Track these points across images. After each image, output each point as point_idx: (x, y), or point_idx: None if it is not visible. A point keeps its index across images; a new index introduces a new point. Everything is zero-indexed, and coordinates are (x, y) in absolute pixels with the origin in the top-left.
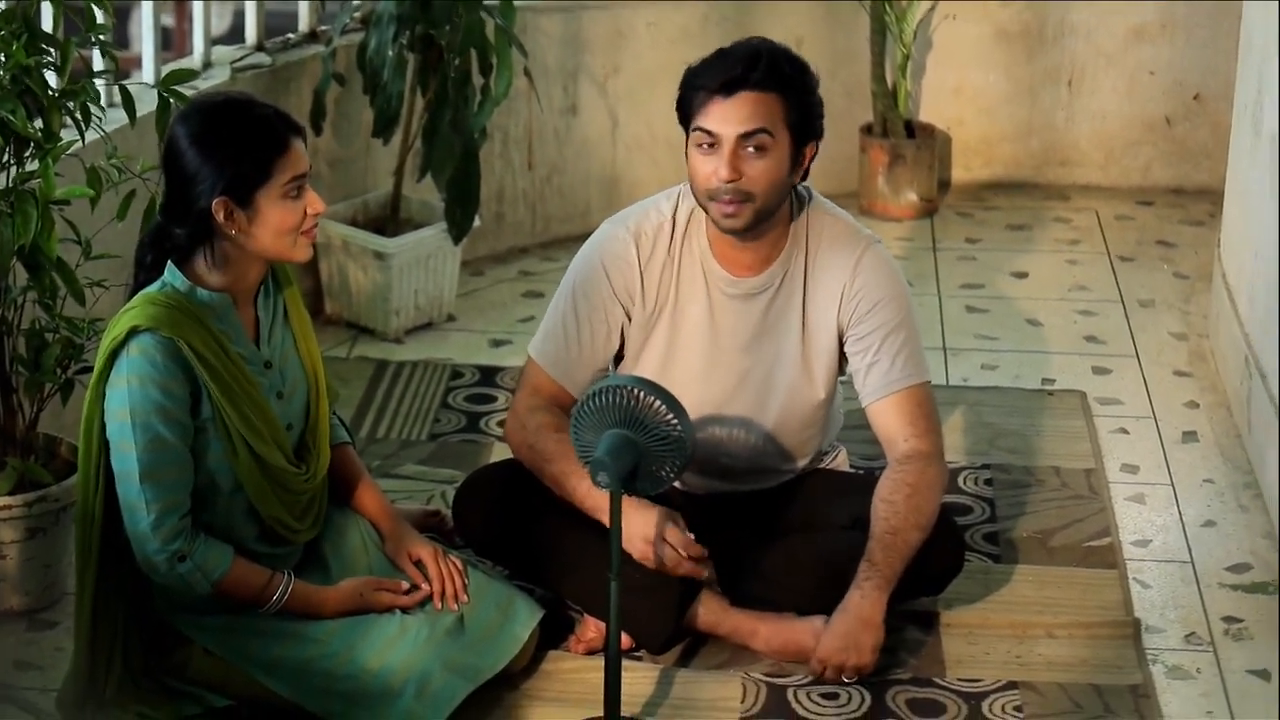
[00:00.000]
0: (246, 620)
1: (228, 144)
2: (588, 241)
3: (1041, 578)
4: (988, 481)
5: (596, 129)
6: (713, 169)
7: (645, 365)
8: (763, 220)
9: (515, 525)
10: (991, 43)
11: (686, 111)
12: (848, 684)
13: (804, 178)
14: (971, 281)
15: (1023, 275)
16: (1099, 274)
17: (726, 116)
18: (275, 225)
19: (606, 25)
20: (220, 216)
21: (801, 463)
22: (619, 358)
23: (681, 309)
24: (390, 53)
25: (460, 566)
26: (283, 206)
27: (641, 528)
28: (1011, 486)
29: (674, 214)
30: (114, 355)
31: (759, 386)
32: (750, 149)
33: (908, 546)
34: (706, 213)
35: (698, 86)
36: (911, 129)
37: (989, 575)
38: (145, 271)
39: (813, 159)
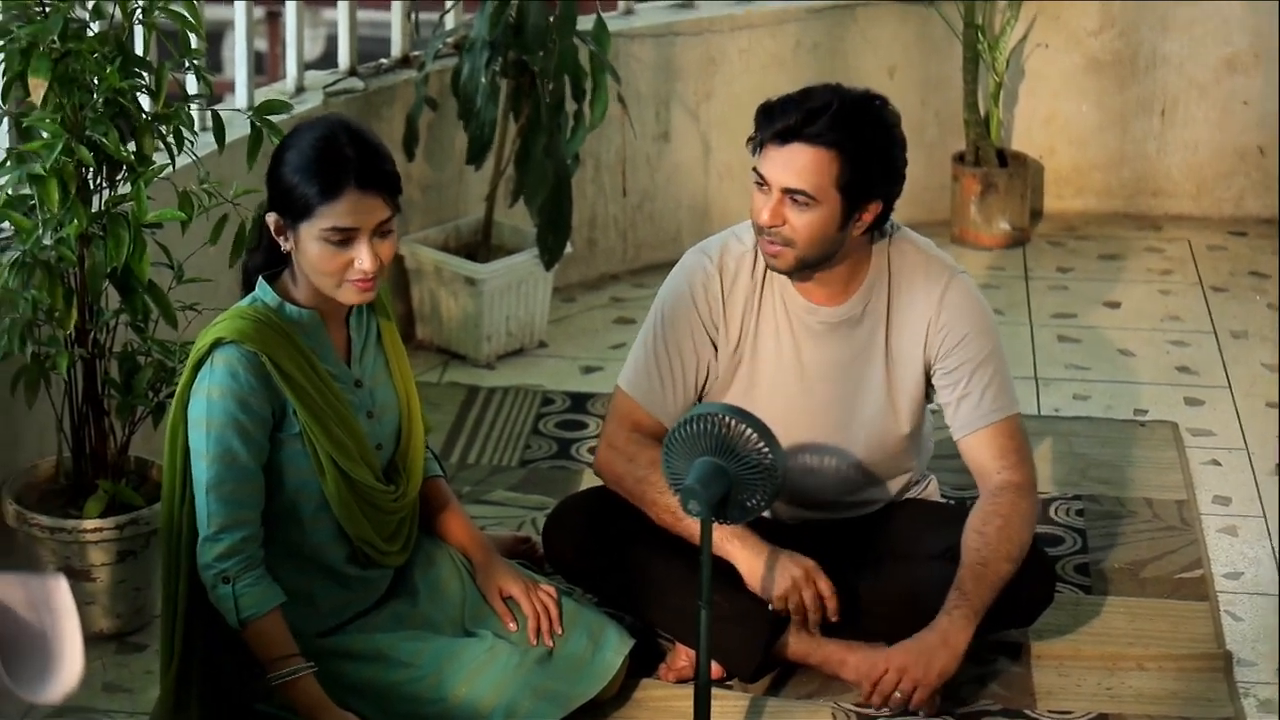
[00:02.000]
0: (336, 642)
1: (290, 167)
2: (673, 271)
3: (1133, 609)
4: (1079, 512)
5: (688, 155)
6: (761, 207)
7: (731, 394)
8: (809, 266)
9: (605, 553)
10: (1083, 72)
11: (756, 144)
12: (889, 713)
13: (872, 230)
14: (1063, 311)
15: (1115, 305)
16: (1191, 304)
17: (775, 165)
18: (314, 263)
19: (699, 51)
20: (273, 230)
21: (890, 492)
22: (704, 389)
23: (764, 339)
24: (484, 79)
25: (554, 598)
26: (321, 248)
27: (794, 568)
28: (1103, 517)
29: (755, 244)
30: (198, 366)
31: (843, 417)
32: (795, 201)
33: (998, 578)
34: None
35: (761, 126)
36: (1004, 158)
37: (1080, 606)
38: (247, 284)
39: (881, 215)
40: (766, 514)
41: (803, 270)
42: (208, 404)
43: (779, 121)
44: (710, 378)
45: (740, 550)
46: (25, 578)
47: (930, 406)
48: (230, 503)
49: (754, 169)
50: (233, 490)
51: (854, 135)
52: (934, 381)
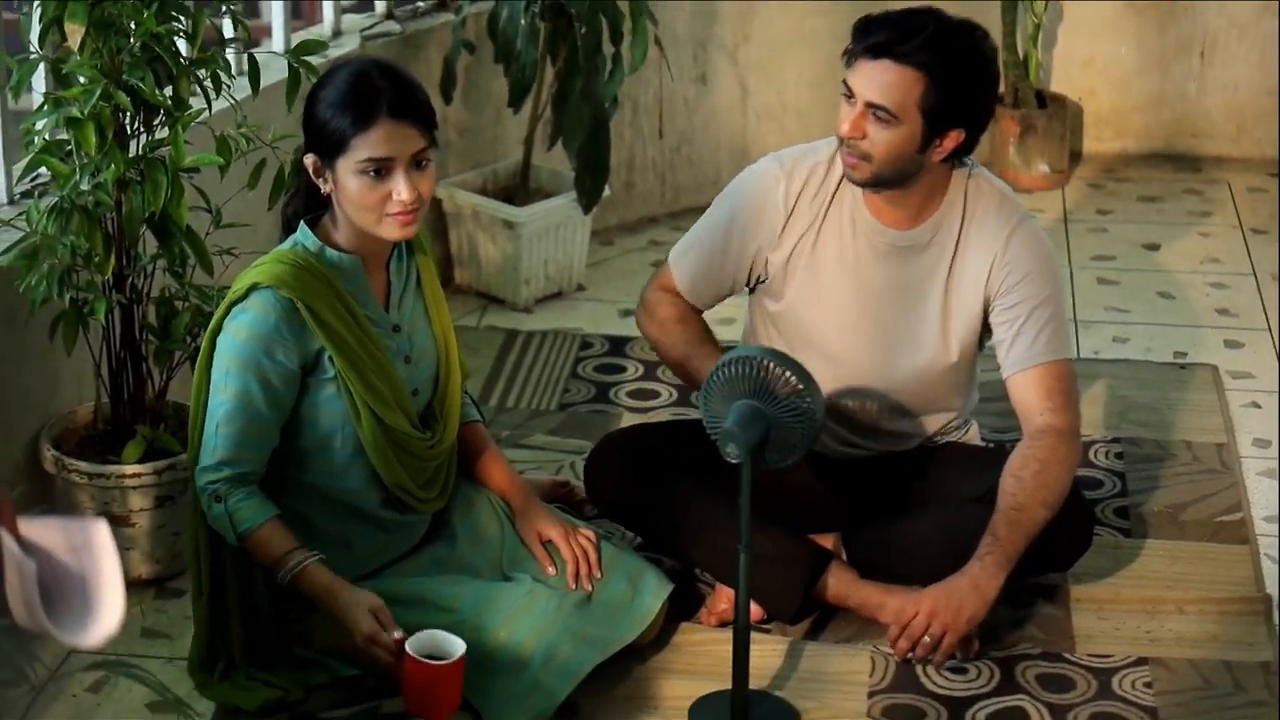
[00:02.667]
0: (373, 586)
1: (324, 104)
2: (746, 170)
3: (1172, 553)
4: (1119, 455)
5: (726, 98)
6: (844, 118)
7: (786, 303)
8: (885, 183)
9: (646, 491)
10: (1123, 13)
11: (849, 58)
12: (914, 660)
13: (954, 158)
14: (1103, 253)
15: (1154, 247)
16: (1231, 246)
17: (863, 79)
18: (353, 199)
19: None
20: (311, 172)
21: (928, 428)
22: (756, 288)
23: (826, 250)
24: (523, 21)
25: (593, 542)
26: (359, 182)
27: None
28: (1142, 460)
29: (831, 157)
30: (232, 307)
31: (895, 338)
32: (878, 114)
33: (1033, 524)
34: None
35: (856, 38)
36: (1043, 99)
37: (1119, 550)
38: (287, 228)
39: (962, 144)
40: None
41: (878, 186)
42: (233, 343)
43: (873, 37)
44: (762, 278)
45: None
46: (65, 521)
47: (981, 351)
48: (236, 439)
49: (844, 80)
50: (241, 428)
51: (944, 60)
52: (991, 318)
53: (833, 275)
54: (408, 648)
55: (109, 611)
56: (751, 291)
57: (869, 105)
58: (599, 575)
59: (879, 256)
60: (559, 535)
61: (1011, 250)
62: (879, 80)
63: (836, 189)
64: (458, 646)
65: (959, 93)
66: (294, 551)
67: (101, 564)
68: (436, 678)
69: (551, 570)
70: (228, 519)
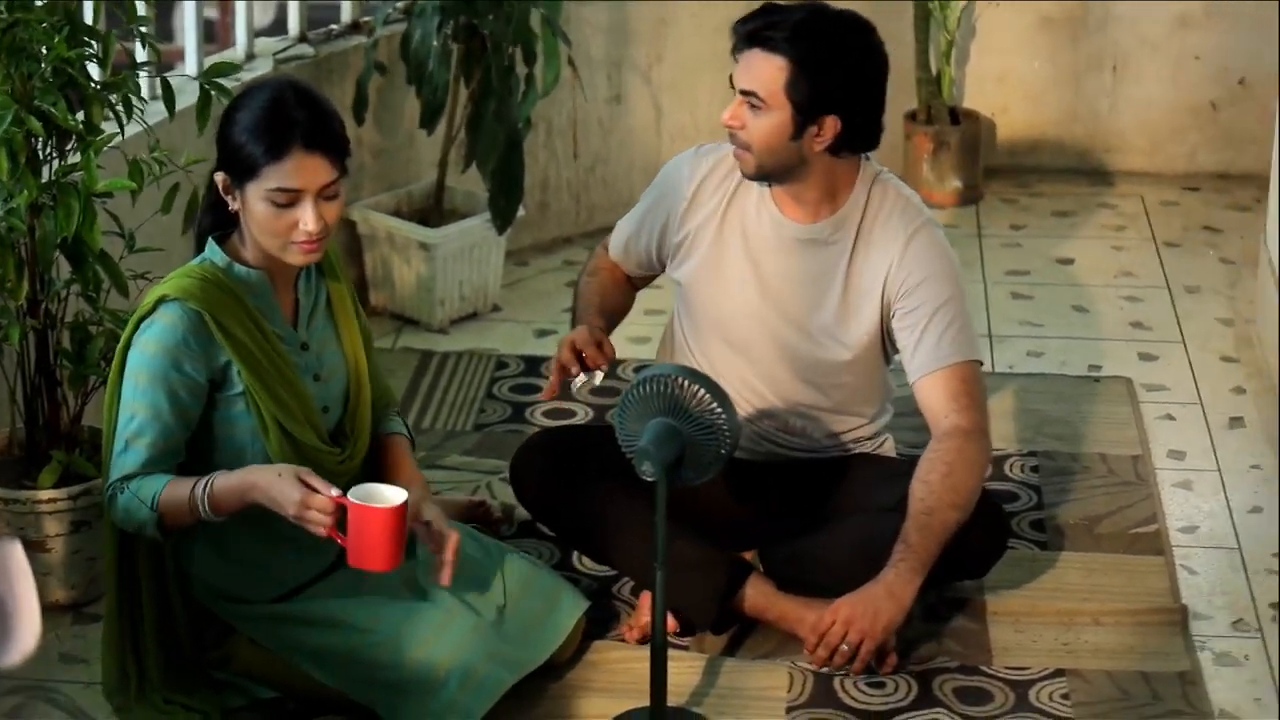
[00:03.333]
0: (292, 608)
1: (239, 126)
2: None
3: (1088, 565)
4: (1034, 468)
5: (641, 118)
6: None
7: (689, 283)
8: (770, 175)
9: (569, 492)
10: (1035, 29)
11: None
12: (831, 669)
13: (844, 150)
14: (1017, 268)
15: (1068, 261)
16: (1145, 260)
17: (738, 68)
18: (259, 223)
19: (650, 15)
20: (221, 189)
21: (837, 428)
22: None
23: (731, 237)
24: (435, 43)
25: (455, 541)
26: (267, 209)
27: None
28: (1058, 473)
29: None
30: (140, 322)
31: (793, 329)
32: (750, 104)
33: (944, 528)
34: None
35: (733, 31)
36: (956, 116)
37: (1035, 562)
38: (199, 242)
39: (844, 134)
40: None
41: (765, 178)
42: (141, 356)
43: (743, 26)
44: (670, 255)
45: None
46: None
47: (891, 366)
48: (146, 455)
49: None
50: (151, 443)
51: (808, 47)
52: (894, 324)
53: (736, 261)
54: (350, 497)
55: (26, 632)
56: (663, 267)
57: (743, 93)
58: (446, 560)
59: (782, 247)
60: (435, 516)
61: (910, 254)
62: (750, 69)
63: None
64: (398, 494)
65: (825, 79)
66: (196, 484)
67: (16, 585)
68: (376, 522)
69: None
70: (136, 501)
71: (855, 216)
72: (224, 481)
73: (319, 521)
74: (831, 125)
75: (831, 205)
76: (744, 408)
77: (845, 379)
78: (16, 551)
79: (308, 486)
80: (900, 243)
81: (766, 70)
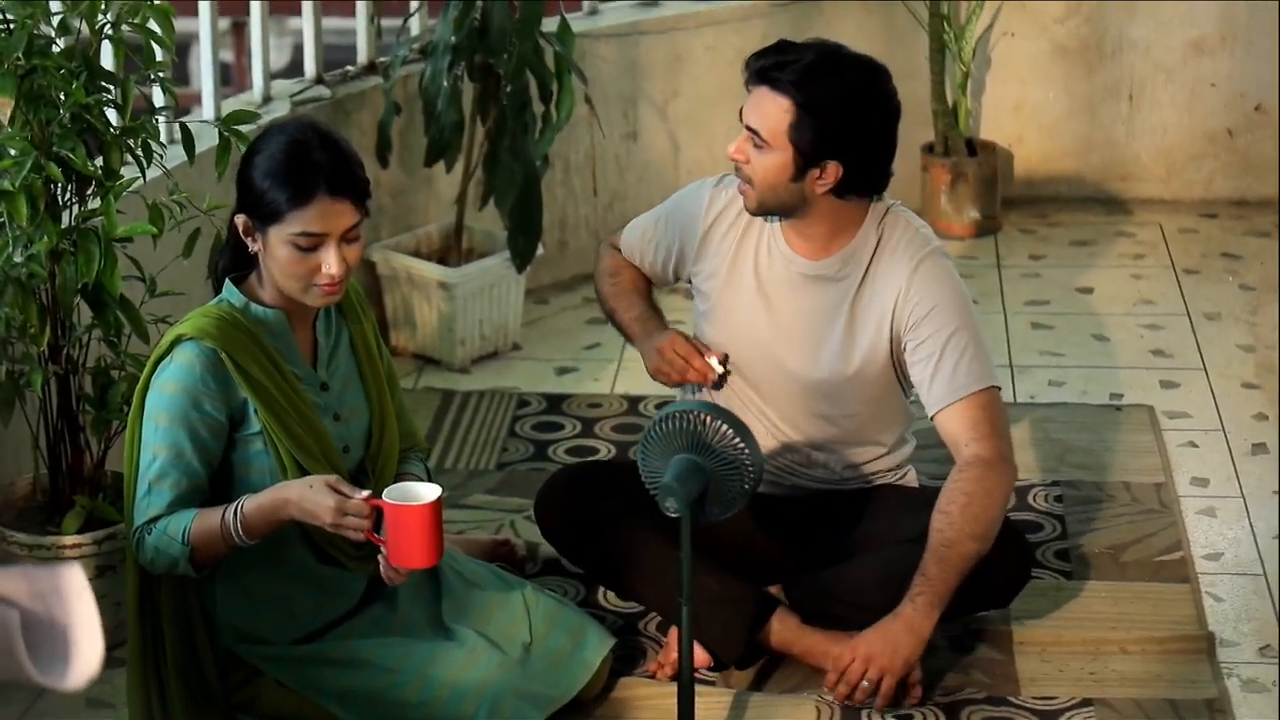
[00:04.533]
0: (317, 649)
1: (260, 171)
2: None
3: (1114, 593)
4: (1057, 498)
5: (657, 154)
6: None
7: (707, 313)
8: (771, 211)
9: (594, 527)
10: (1050, 59)
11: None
12: (855, 705)
13: (848, 192)
14: (1036, 298)
15: (1088, 291)
16: (1164, 288)
17: (747, 104)
18: (281, 266)
19: (665, 50)
20: (241, 231)
21: (856, 460)
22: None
23: (744, 270)
24: (445, 82)
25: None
26: (290, 252)
27: (662, 341)
28: (1081, 503)
29: None
30: (159, 363)
31: (800, 364)
32: (754, 141)
33: (963, 559)
34: None
35: (746, 66)
36: (973, 147)
37: (1061, 592)
38: (217, 284)
39: (845, 178)
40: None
41: (766, 213)
42: (160, 397)
43: (756, 63)
44: (687, 280)
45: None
46: (29, 570)
47: (910, 399)
48: (171, 496)
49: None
50: (175, 484)
51: (813, 92)
52: (907, 358)
53: (747, 297)
54: (385, 497)
55: (88, 653)
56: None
57: (748, 129)
58: None
59: (790, 283)
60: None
61: (916, 284)
62: (757, 106)
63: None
64: (432, 490)
65: (829, 125)
66: (225, 510)
67: (74, 606)
68: (414, 520)
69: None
70: (166, 539)
71: (866, 252)
72: (255, 502)
73: (357, 526)
74: (834, 170)
75: (840, 241)
76: (764, 442)
77: (857, 409)
78: (76, 574)
79: (340, 493)
80: (906, 273)
81: (772, 110)
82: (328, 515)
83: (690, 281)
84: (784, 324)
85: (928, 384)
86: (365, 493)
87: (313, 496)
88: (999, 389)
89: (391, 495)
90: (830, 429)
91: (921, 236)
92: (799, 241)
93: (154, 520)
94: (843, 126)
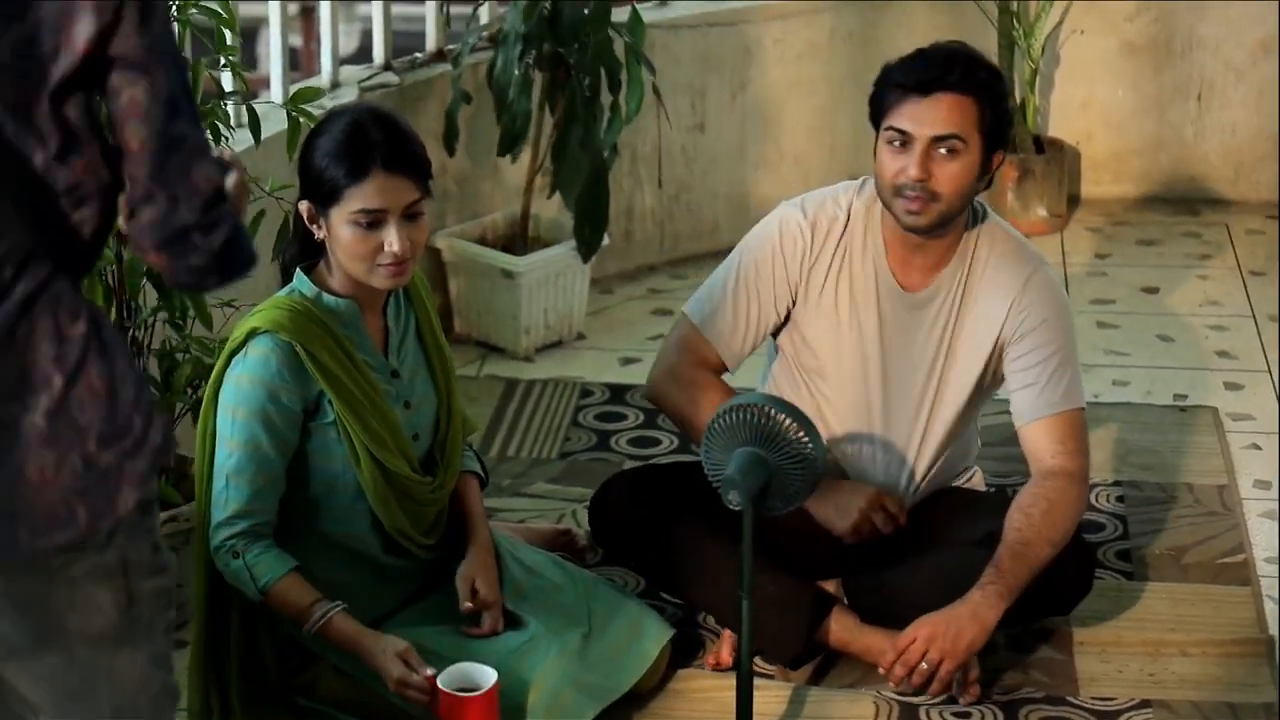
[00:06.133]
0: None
1: (320, 152)
2: (765, 219)
3: (1175, 595)
4: (1120, 498)
5: (725, 146)
6: (901, 166)
7: (800, 350)
8: (945, 223)
9: (649, 533)
10: (1119, 57)
11: (879, 108)
12: (910, 688)
13: (989, 185)
14: (1102, 297)
15: (1153, 290)
16: (1230, 289)
17: (921, 117)
18: (345, 248)
19: (734, 42)
20: (306, 218)
21: (934, 481)
22: (775, 333)
23: (843, 304)
24: (516, 71)
25: (491, 622)
26: (352, 232)
27: (859, 499)
28: (1144, 503)
29: (850, 207)
30: (232, 355)
31: (908, 392)
32: (942, 151)
33: (1037, 560)
34: (889, 209)
35: (893, 84)
36: (1040, 144)
37: (1121, 593)
38: (285, 275)
39: (999, 166)
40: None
41: (940, 228)
42: (236, 391)
43: (918, 75)
44: (783, 323)
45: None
46: None
47: (995, 396)
48: (249, 491)
49: (890, 128)
50: (251, 478)
51: (986, 81)
52: (1006, 364)
53: (851, 328)
54: (440, 683)
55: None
56: (775, 336)
57: (935, 140)
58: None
59: (898, 311)
60: (486, 589)
61: (1029, 295)
62: (940, 113)
63: (855, 243)
64: (489, 676)
65: (1002, 110)
66: (318, 603)
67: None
68: (470, 709)
69: (467, 605)
70: (247, 574)
71: (965, 264)
72: (341, 625)
73: (416, 700)
74: (999, 159)
75: (947, 257)
76: (842, 473)
77: (955, 428)
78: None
79: (408, 665)
80: (1020, 282)
81: (962, 109)
82: (391, 684)
83: (783, 323)
84: (887, 355)
85: (1022, 392)
86: (430, 671)
87: (383, 660)
88: (1085, 410)
89: (450, 676)
90: (918, 461)
91: (1028, 248)
92: (910, 261)
93: (242, 535)
94: (1006, 109)
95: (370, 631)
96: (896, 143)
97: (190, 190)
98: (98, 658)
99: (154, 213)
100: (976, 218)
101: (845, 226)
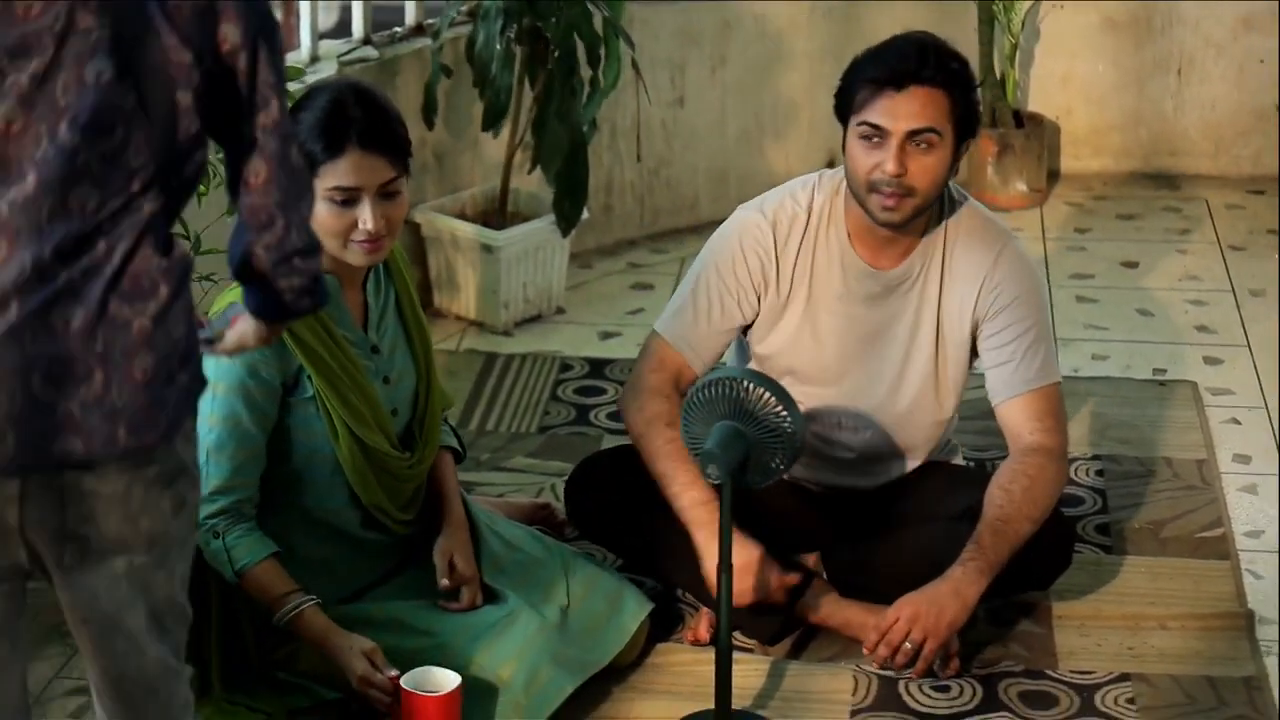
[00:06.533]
0: (356, 610)
1: (301, 126)
2: (724, 226)
3: (1153, 569)
4: (1099, 472)
5: (704, 121)
6: (875, 162)
7: (775, 353)
8: (920, 215)
9: (627, 512)
10: (1099, 32)
11: (848, 103)
12: (893, 667)
13: (957, 173)
14: (1081, 271)
15: (1133, 265)
16: (1210, 264)
17: (896, 111)
18: (321, 224)
19: (714, 17)
20: None
21: (917, 461)
22: (744, 331)
23: (815, 299)
24: (499, 46)
25: (470, 597)
26: (327, 208)
27: (743, 558)
28: (1123, 477)
29: (810, 204)
30: None
31: (889, 378)
32: (917, 145)
33: (1017, 536)
34: (863, 205)
35: (865, 78)
36: (1020, 119)
37: (1101, 567)
38: None
39: (964, 154)
40: (787, 478)
41: (913, 220)
42: (215, 366)
43: (890, 68)
44: (749, 331)
45: (704, 540)
46: None
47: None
48: (230, 467)
49: (864, 123)
50: (233, 454)
51: (958, 73)
52: (979, 342)
53: (825, 322)
54: (403, 684)
55: None
56: (744, 335)
57: (910, 135)
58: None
59: (870, 298)
60: (463, 564)
61: (1000, 272)
62: (915, 107)
63: (819, 237)
64: (452, 679)
65: (972, 99)
66: (291, 594)
67: None
68: (433, 710)
69: (444, 582)
70: (225, 555)
71: (937, 243)
72: (311, 620)
73: (377, 699)
74: (967, 146)
75: (916, 241)
76: (822, 456)
77: (941, 414)
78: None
79: (373, 664)
80: (990, 259)
81: (935, 102)
82: (354, 681)
83: (751, 325)
84: (868, 342)
85: (997, 370)
86: (393, 672)
87: (349, 658)
88: (1061, 385)
89: (414, 677)
90: (902, 441)
91: (996, 223)
92: (880, 249)
93: (224, 513)
94: (973, 102)
95: (338, 629)
96: (871, 138)
97: (302, 218)
98: (147, 565)
99: (272, 237)
100: (944, 200)
101: (807, 224)
